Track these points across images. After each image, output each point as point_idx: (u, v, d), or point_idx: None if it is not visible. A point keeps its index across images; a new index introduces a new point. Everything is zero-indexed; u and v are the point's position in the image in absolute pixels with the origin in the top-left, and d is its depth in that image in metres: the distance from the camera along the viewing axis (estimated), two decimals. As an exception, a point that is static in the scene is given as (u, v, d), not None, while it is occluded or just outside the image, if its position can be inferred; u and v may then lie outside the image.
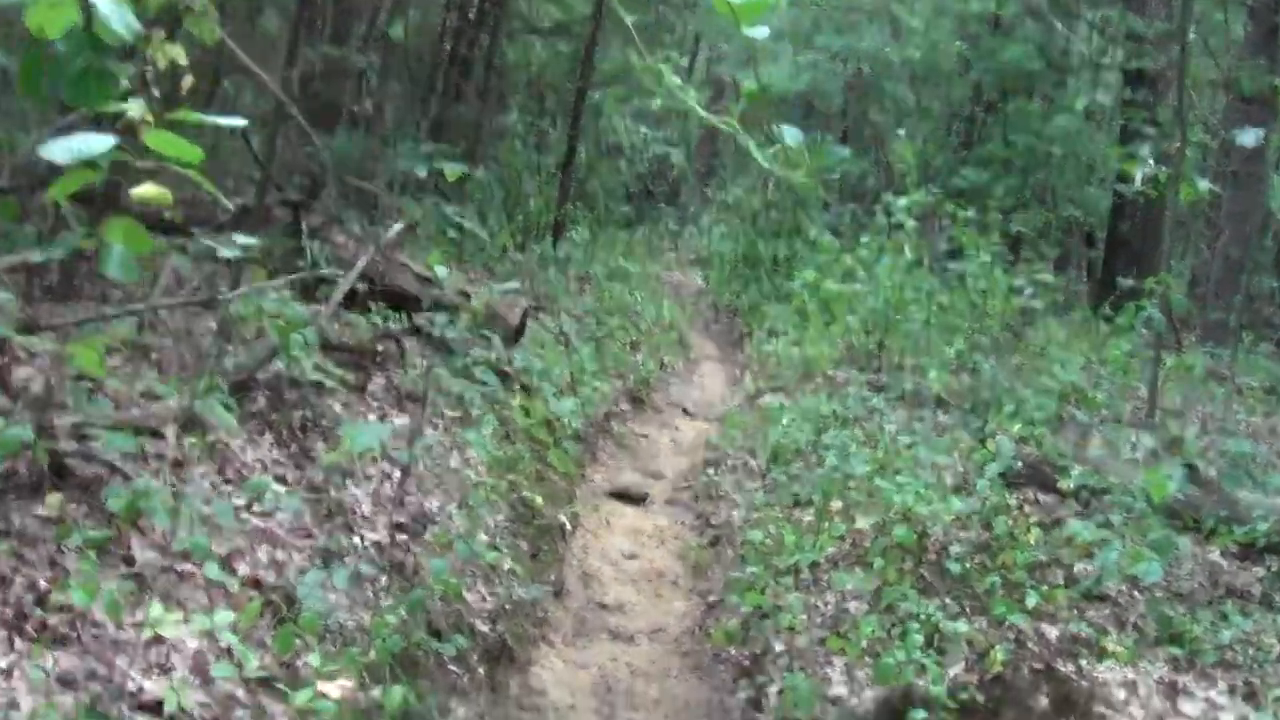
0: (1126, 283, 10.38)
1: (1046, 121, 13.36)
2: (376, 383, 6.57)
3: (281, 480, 4.84)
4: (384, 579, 4.45)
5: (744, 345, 13.32)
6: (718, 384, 12.05)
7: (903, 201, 10.35)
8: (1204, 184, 8.45)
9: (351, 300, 7.31)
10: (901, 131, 13.20)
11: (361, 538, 4.71)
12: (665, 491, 7.95)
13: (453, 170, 6.37)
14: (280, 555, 4.22)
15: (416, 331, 7.48)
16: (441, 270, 6.11)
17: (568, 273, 11.57)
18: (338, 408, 5.91)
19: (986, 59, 13.74)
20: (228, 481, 4.60)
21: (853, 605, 5.01)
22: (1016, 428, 6.81)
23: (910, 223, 10.37)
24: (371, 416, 6.11)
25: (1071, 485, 5.91)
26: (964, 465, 6.43)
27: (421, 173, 6.48)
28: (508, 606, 4.99)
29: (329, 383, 5.14)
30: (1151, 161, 8.99)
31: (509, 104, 13.78)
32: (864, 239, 11.40)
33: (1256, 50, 13.80)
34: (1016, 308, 10.21)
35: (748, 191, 17.38)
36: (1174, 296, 8.04)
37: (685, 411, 10.44)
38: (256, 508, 4.43)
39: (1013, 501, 5.88)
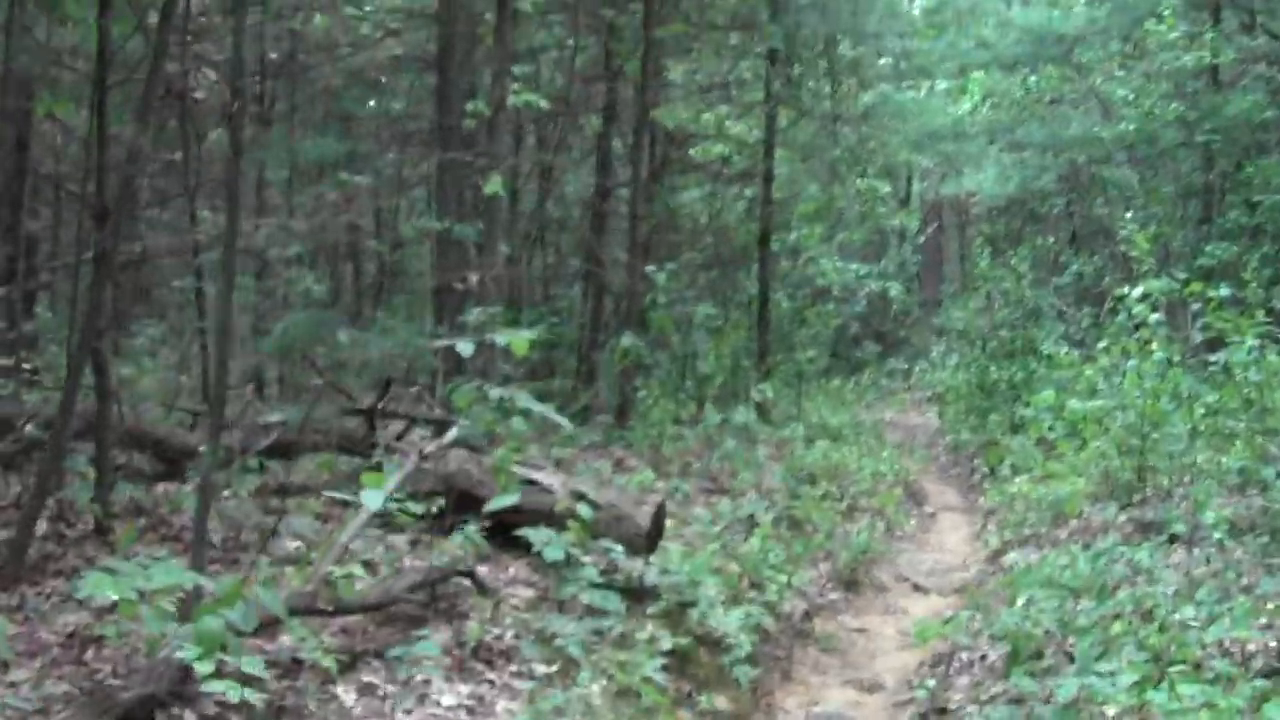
0: None
1: (1293, 175, 11.19)
2: (436, 639, 5.11)
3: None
4: None
5: (985, 489, 11.41)
6: (958, 541, 10.20)
7: (1138, 291, 8.53)
8: None
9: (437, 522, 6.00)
10: (1129, 215, 11.33)
11: None
12: (882, 709, 6.17)
13: (519, 341, 5.08)
14: None
15: (527, 550, 5.98)
16: (511, 478, 4.81)
17: (755, 441, 10.09)
18: (349, 698, 4.58)
19: (1210, 118, 11.76)
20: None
21: None
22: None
23: (1154, 316, 8.52)
24: (410, 697, 4.72)
25: None
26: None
27: (466, 352, 5.20)
28: None
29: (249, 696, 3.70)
30: None
31: (673, 257, 12.73)
32: (1102, 344, 9.58)
33: None
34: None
35: (973, 312, 15.64)
36: None
37: (916, 587, 8.60)
38: None
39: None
